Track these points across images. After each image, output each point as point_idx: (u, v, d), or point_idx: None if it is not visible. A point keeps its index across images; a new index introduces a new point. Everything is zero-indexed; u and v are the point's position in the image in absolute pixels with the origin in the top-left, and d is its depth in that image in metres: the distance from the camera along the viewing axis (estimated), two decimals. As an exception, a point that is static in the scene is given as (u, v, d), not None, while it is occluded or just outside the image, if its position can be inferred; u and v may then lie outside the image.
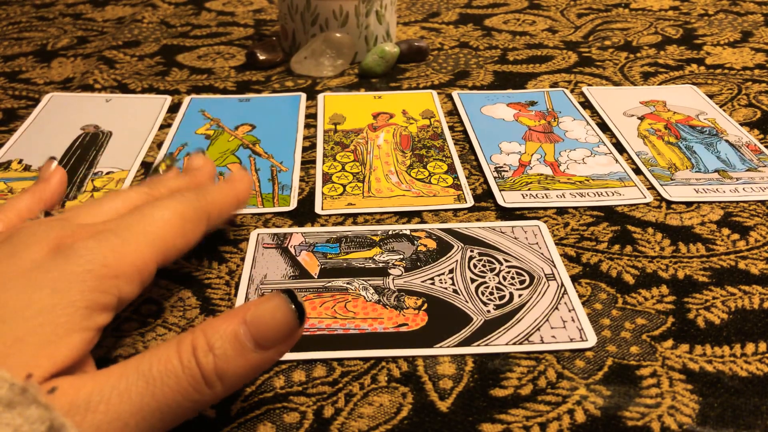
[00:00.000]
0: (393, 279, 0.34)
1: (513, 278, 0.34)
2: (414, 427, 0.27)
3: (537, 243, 0.37)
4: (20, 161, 0.45)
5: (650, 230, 0.38)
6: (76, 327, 0.23)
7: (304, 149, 0.47)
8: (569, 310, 0.32)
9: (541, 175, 0.43)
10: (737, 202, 0.41)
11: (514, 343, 0.30)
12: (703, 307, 0.33)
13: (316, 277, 0.34)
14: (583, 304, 0.33)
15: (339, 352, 0.30)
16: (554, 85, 0.57)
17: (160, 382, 0.22)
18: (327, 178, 0.43)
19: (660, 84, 0.57)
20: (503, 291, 0.33)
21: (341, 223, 0.39)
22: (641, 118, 0.51)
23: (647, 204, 0.41)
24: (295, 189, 0.42)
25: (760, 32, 0.69)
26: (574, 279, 0.34)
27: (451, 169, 0.44)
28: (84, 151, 0.46)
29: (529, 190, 0.42)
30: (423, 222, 0.39)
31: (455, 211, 0.40)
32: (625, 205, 0.40)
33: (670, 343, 0.31)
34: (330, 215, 0.40)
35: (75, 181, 0.43)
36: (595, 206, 0.40)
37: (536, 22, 0.72)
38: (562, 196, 0.41)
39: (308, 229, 0.38)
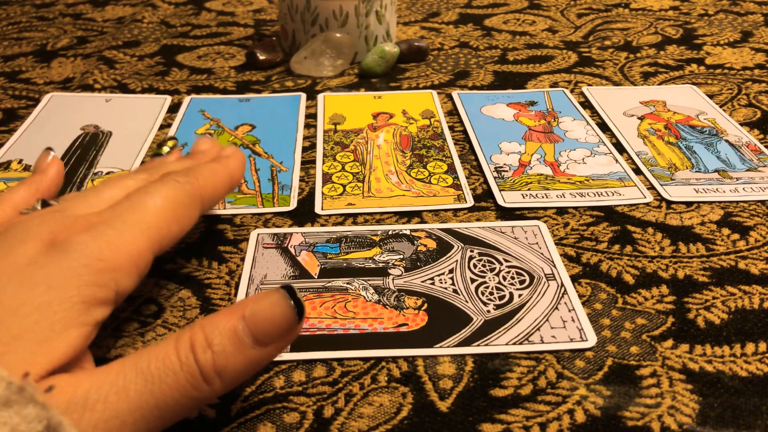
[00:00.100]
0: (393, 279, 0.34)
1: (513, 278, 0.34)
2: (414, 427, 0.26)
3: (537, 243, 0.37)
4: (20, 161, 0.45)
5: (650, 230, 0.38)
6: (74, 322, 0.23)
7: (304, 149, 0.47)
8: (569, 310, 0.32)
9: (541, 175, 0.43)
10: (737, 202, 0.41)
11: (514, 343, 0.30)
12: (703, 307, 0.33)
13: (316, 277, 0.34)
14: (583, 304, 0.33)
15: (339, 352, 0.30)
16: (554, 85, 0.57)
17: (158, 380, 0.22)
18: (327, 178, 0.43)
19: (660, 84, 0.57)
20: (503, 291, 0.33)
21: (341, 223, 0.39)
22: (641, 118, 0.51)
23: (647, 204, 0.41)
24: (295, 189, 0.42)
25: (760, 32, 0.69)
26: (574, 279, 0.34)
27: (451, 169, 0.44)
28: (84, 151, 0.46)
29: (529, 190, 0.42)
30: (423, 222, 0.39)
31: (455, 211, 0.40)
32: (625, 205, 0.40)
33: (670, 343, 0.30)
34: (330, 215, 0.40)
35: (75, 181, 0.43)
36: (595, 206, 0.40)
37: (536, 22, 0.72)
38: (562, 196, 0.41)
39: (308, 229, 0.38)
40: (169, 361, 0.22)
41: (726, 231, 0.38)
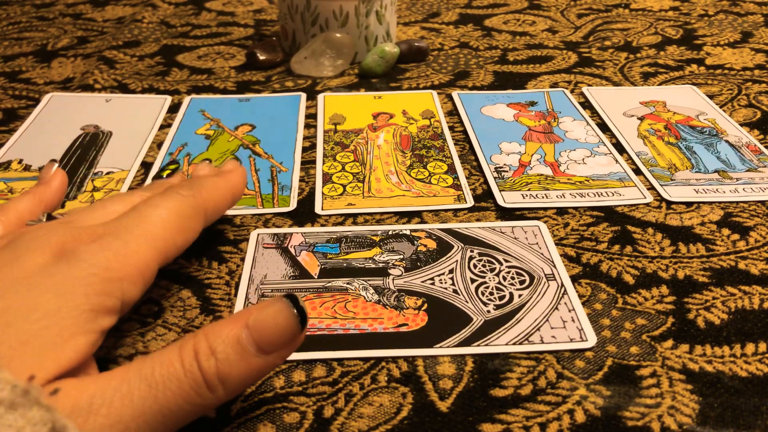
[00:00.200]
0: (393, 279, 0.34)
1: (513, 278, 0.34)
2: (414, 427, 0.27)
3: (537, 243, 0.37)
4: (20, 161, 0.45)
5: (650, 230, 0.38)
6: (81, 330, 0.23)
7: (304, 149, 0.47)
8: (569, 311, 0.32)
9: (541, 175, 0.43)
10: (737, 203, 0.41)
11: (514, 343, 0.30)
12: (703, 308, 0.33)
13: (316, 277, 0.34)
14: (583, 304, 0.33)
15: (339, 352, 0.30)
16: (554, 85, 0.57)
17: (162, 386, 0.22)
18: (327, 179, 0.43)
19: (660, 84, 0.57)
20: (503, 291, 0.33)
21: (341, 224, 0.39)
22: (641, 119, 0.51)
23: (647, 204, 0.41)
24: (294, 189, 0.42)
25: (760, 33, 0.69)
26: (574, 279, 0.34)
27: (451, 170, 0.44)
28: (84, 151, 0.46)
29: (529, 190, 0.42)
30: (423, 222, 0.39)
31: (455, 211, 0.40)
32: (625, 206, 0.40)
33: (670, 343, 0.31)
34: (330, 215, 0.40)
35: (75, 181, 0.43)
36: (595, 206, 0.40)
37: (536, 22, 0.72)
38: (562, 197, 0.41)
39: (308, 229, 0.38)
40: (173, 367, 0.22)
41: (726, 231, 0.38)
